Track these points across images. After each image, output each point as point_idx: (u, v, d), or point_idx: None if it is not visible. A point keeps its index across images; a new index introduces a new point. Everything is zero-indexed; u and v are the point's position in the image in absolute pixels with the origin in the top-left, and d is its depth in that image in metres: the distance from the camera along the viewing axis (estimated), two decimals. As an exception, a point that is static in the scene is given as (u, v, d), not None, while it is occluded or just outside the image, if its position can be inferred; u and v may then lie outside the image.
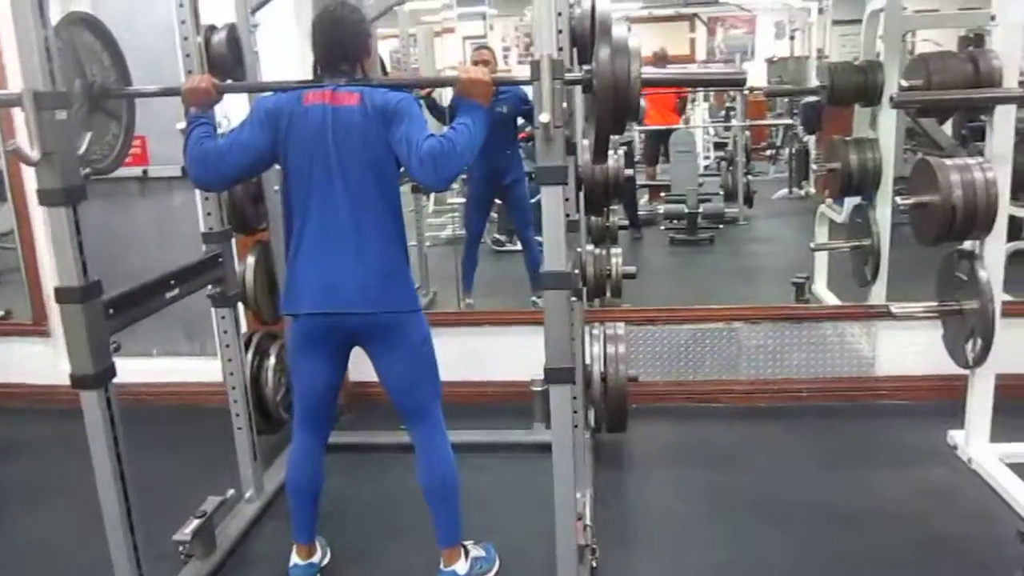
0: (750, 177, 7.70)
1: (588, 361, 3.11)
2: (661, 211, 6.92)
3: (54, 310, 4.05)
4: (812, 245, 4.62)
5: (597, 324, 3.23)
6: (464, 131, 2.06)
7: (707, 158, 9.46)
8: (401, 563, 2.63)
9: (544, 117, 1.77)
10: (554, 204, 1.84)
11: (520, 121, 4.91)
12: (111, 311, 2.13)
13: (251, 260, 3.19)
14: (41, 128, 1.90)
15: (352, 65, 2.23)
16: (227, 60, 2.77)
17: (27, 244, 4.07)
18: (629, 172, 3.08)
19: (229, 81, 2.71)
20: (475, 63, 4.64)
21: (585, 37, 2.32)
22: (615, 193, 2.94)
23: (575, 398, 2.68)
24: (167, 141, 3.74)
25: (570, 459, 1.98)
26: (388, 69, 5.72)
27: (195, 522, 2.55)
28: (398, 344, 2.27)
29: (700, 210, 6.69)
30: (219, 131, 2.77)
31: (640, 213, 7.00)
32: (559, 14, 1.97)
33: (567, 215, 2.42)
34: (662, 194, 7.22)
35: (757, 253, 6.62)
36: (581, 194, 2.80)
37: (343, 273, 2.17)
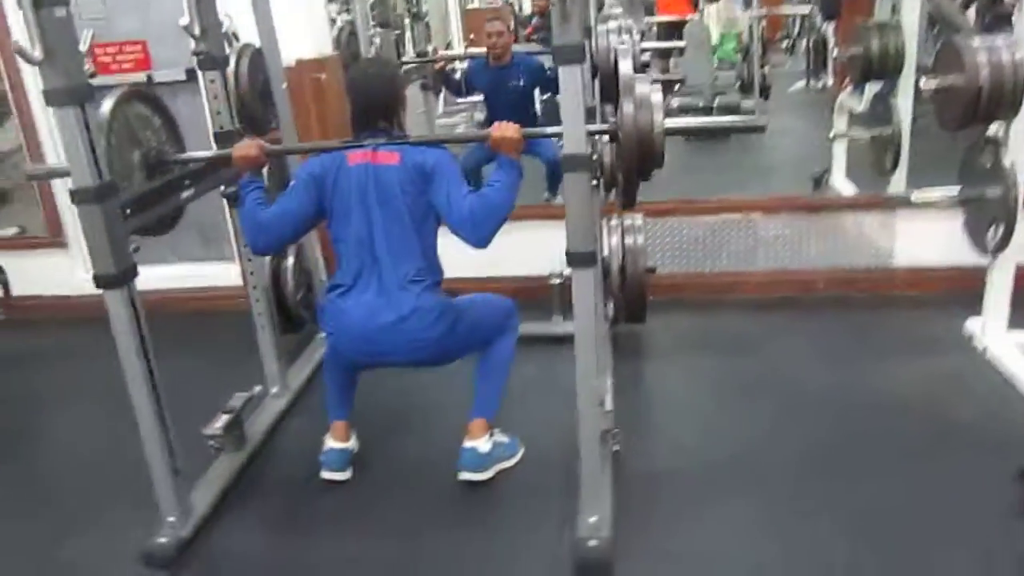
0: (767, 69, 7.49)
1: (606, 253, 3.10)
2: (675, 105, 6.78)
3: (69, 221, 4.08)
4: (831, 135, 4.52)
5: (615, 216, 3.21)
6: (500, 188, 2.20)
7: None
8: (429, 446, 2.70)
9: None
10: (572, 84, 1.79)
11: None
12: (128, 211, 2.12)
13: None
14: (41, 25, 1.86)
15: (389, 120, 2.36)
16: None
17: (35, 157, 4.03)
18: (645, 58, 3.00)
19: (275, 146, 2.68)
20: (488, 35, 4.43)
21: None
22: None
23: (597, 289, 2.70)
24: (169, 44, 3.68)
25: (592, 342, 2.00)
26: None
27: (224, 417, 2.62)
28: (444, 355, 2.42)
29: (715, 103, 6.54)
30: (222, 27, 2.74)
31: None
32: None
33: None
34: (676, 87, 7.05)
35: (774, 146, 6.48)
36: (596, 82, 2.75)
37: (378, 320, 2.30)
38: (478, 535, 2.28)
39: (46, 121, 3.89)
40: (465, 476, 2.45)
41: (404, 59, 5.01)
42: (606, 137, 2.31)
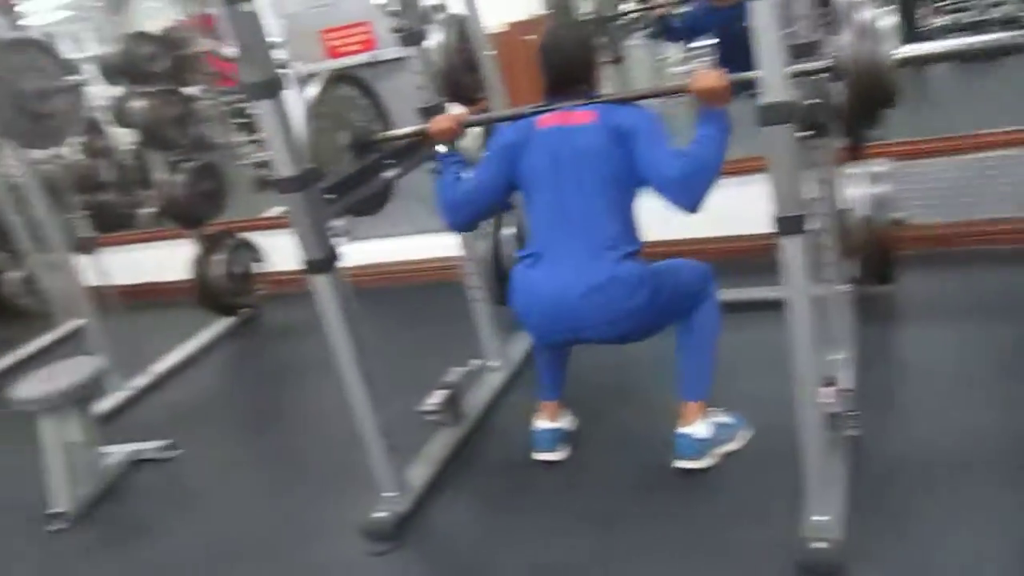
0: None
1: (845, 205, 2.74)
2: (937, 24, 5.93)
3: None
4: None
5: (854, 163, 2.82)
6: (708, 144, 2.02)
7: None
8: (644, 427, 2.55)
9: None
10: (766, 20, 1.53)
11: None
12: (330, 196, 2.16)
13: (477, 129, 3.13)
14: (234, 23, 1.91)
15: (582, 84, 2.23)
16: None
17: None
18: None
19: (473, 116, 2.62)
20: None
21: None
22: None
23: (825, 249, 2.39)
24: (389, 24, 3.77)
25: (807, 321, 1.74)
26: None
27: (441, 393, 2.64)
28: (643, 329, 2.22)
29: (990, 15, 5.63)
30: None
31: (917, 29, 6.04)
32: None
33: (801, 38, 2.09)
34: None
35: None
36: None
37: (572, 292, 2.14)
38: (689, 527, 2.10)
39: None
40: (680, 464, 2.26)
41: (625, 9, 4.78)
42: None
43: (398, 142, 2.50)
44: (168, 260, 4.66)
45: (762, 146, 1.62)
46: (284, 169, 2.05)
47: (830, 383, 2.04)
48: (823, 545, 1.83)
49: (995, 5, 5.96)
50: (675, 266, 2.29)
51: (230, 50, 1.92)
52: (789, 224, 1.64)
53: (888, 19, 1.74)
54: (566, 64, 2.24)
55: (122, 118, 3.79)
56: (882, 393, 2.43)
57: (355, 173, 2.33)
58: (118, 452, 3.05)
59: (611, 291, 2.12)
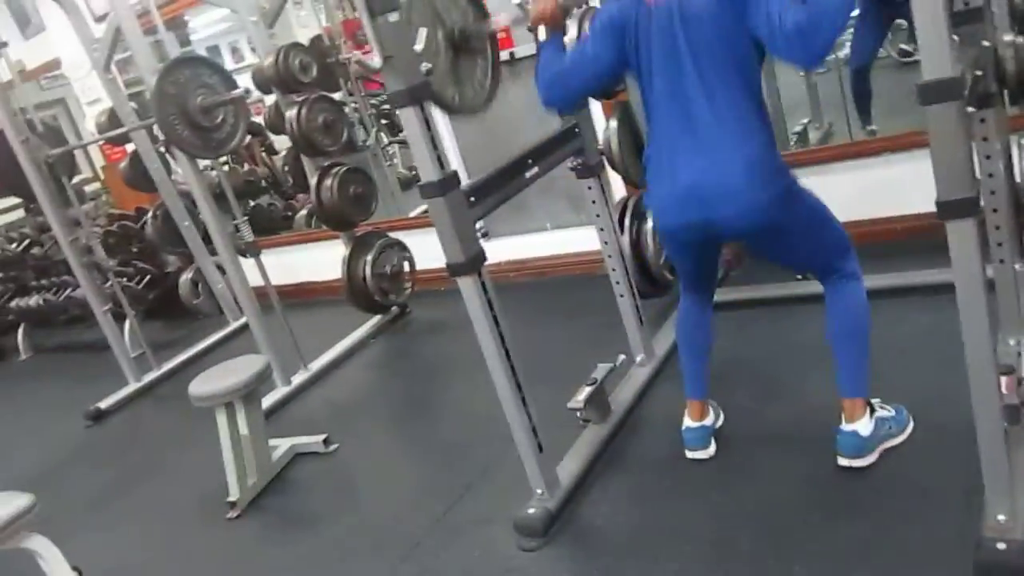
0: None
1: (1019, 178, 2.52)
2: None
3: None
4: None
5: (1029, 133, 2.59)
6: None
7: None
8: (795, 422, 2.46)
9: None
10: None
11: None
12: (472, 199, 2.20)
13: (613, 124, 3.11)
14: (378, 33, 1.97)
15: None
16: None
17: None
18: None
19: None
20: None
21: None
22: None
23: (998, 227, 2.22)
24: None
25: (981, 307, 1.61)
26: None
27: (587, 389, 2.63)
28: (775, 234, 2.10)
29: None
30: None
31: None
32: None
33: (965, 3, 1.96)
34: None
35: None
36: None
37: (703, 178, 2.02)
38: (856, 525, 2.00)
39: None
40: (845, 462, 2.17)
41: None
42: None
43: (542, 145, 2.49)
44: (321, 260, 4.91)
45: (926, 124, 1.51)
46: (427, 174, 2.10)
47: (1008, 371, 1.89)
48: (1004, 546, 1.71)
49: None
50: (818, 207, 2.13)
51: (376, 59, 1.97)
52: (956, 208, 1.53)
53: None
54: None
55: (275, 126, 3.99)
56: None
57: (496, 174, 2.35)
58: (282, 445, 3.23)
59: (742, 174, 1.98)
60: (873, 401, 2.21)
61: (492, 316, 2.21)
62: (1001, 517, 1.75)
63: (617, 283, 2.90)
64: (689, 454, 2.43)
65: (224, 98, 3.55)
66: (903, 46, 5.11)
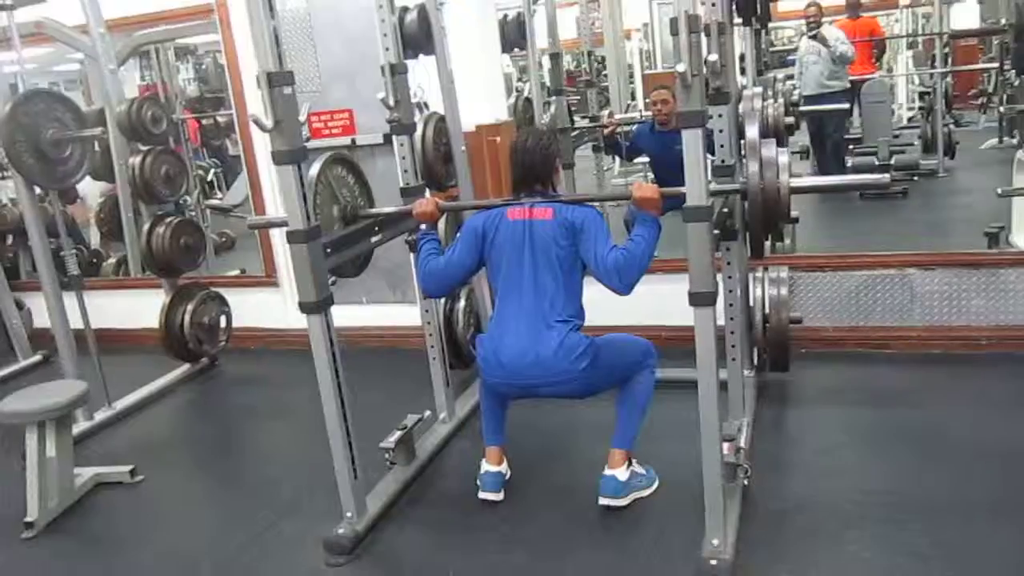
0: (953, 127, 7.30)
1: (751, 303, 3.26)
2: (849, 164, 6.75)
3: (282, 264, 4.72)
4: (999, 191, 4.41)
5: (761, 268, 3.37)
6: (640, 242, 2.48)
7: (911, 109, 8.98)
8: (570, 475, 2.95)
9: (680, 67, 1.97)
10: (693, 145, 2.04)
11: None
12: (328, 250, 2.57)
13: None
14: (274, 101, 2.35)
15: (544, 184, 2.71)
16: (418, 36, 3.17)
17: (258, 209, 4.74)
18: (790, 120, 3.17)
19: (447, 202, 3.10)
20: (654, 103, 4.73)
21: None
22: (777, 142, 3.05)
23: (733, 333, 2.89)
24: (370, 113, 4.22)
25: (713, 377, 2.20)
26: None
27: (397, 433, 3.00)
28: (587, 384, 2.66)
29: (892, 162, 6.46)
30: (412, 98, 3.18)
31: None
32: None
33: (722, 161, 2.64)
34: (851, 147, 7.01)
35: (953, 205, 6.32)
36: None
37: (524, 352, 2.60)
38: (613, 556, 2.49)
39: (269, 179, 4.58)
40: (604, 502, 2.68)
41: (576, 124, 5.39)
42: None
43: (388, 217, 2.94)
44: (133, 308, 4.97)
45: (687, 239, 2.12)
46: (296, 223, 2.45)
47: (729, 439, 2.51)
48: (715, 563, 2.26)
49: (899, 152, 6.83)
50: (618, 340, 2.75)
51: (269, 122, 2.34)
52: (702, 298, 2.13)
53: (785, 155, 2.30)
54: (532, 165, 2.70)
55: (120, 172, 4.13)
56: (771, 456, 2.92)
57: (348, 234, 2.75)
58: (85, 473, 3.28)
59: (560, 357, 2.57)
60: (633, 459, 2.75)
61: (332, 351, 2.56)
62: (715, 542, 2.31)
63: (432, 347, 3.32)
64: (482, 495, 2.83)
65: (78, 134, 3.70)
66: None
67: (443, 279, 2.82)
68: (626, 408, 2.73)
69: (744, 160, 2.44)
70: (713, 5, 2.50)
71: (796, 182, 2.28)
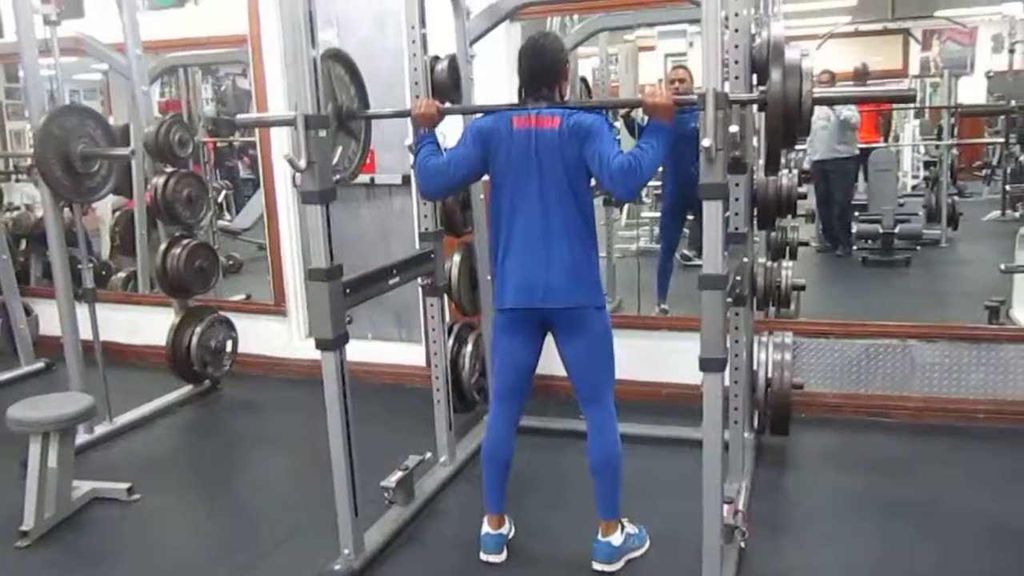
0: (957, 198, 7.43)
1: (755, 367, 3.32)
2: (854, 229, 6.85)
3: (291, 293, 4.77)
4: (1003, 267, 4.50)
5: (766, 332, 3.43)
6: (648, 149, 2.41)
7: (916, 177, 9.14)
8: (568, 534, 2.94)
9: (706, 142, 2.05)
10: (714, 216, 2.12)
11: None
12: (347, 290, 2.63)
13: (457, 258, 3.67)
14: (308, 143, 2.42)
15: (551, 89, 2.61)
16: (447, 86, 3.25)
17: (273, 239, 4.81)
18: (802, 190, 3.25)
19: (450, 104, 3.15)
20: (671, 81, 4.88)
21: (764, 62, 2.55)
22: (787, 209, 3.13)
23: (736, 395, 2.94)
24: (391, 153, 4.31)
25: (719, 440, 2.25)
26: (590, 87, 6.09)
27: (399, 473, 3.03)
28: (581, 333, 2.63)
29: (896, 230, 6.56)
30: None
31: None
32: (736, 46, 2.40)
33: (736, 228, 2.71)
34: (856, 213, 7.12)
35: (955, 276, 6.41)
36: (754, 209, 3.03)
37: (538, 273, 2.57)
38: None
39: (285, 205, 4.67)
40: (598, 567, 2.69)
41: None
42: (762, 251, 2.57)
43: (404, 261, 3.00)
44: (141, 324, 5.02)
45: (702, 307, 2.18)
46: (319, 262, 2.51)
47: (729, 501, 2.54)
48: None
49: (903, 220, 6.94)
50: (611, 341, 2.69)
51: (303, 162, 2.41)
52: (713, 363, 2.18)
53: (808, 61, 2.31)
54: (540, 67, 2.59)
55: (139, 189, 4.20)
56: (769, 520, 2.94)
57: (369, 275, 2.80)
58: (82, 487, 3.30)
59: (567, 272, 2.54)
60: (623, 519, 2.76)
61: (343, 388, 2.60)
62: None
63: (438, 390, 3.36)
64: (483, 556, 2.79)
65: (108, 152, 3.77)
66: (685, 251, 6.12)
67: (446, 178, 2.70)
68: (600, 477, 2.69)
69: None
70: (736, 78, 2.59)
71: (818, 91, 2.29)
